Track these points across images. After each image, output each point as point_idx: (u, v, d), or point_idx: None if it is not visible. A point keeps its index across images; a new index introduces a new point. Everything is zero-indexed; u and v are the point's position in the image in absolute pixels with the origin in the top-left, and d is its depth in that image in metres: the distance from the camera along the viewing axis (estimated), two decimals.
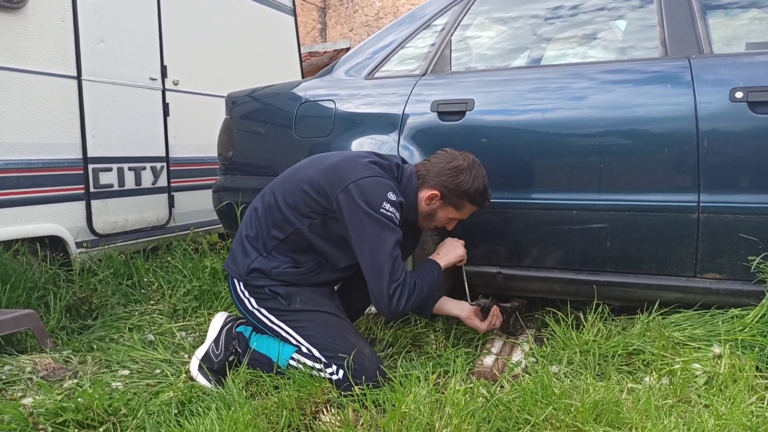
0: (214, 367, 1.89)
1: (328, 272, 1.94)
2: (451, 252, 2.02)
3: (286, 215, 1.87)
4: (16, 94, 2.72)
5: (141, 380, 1.89)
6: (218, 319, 2.02)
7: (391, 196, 1.79)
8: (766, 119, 1.84)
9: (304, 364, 1.80)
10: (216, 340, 1.94)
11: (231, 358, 1.91)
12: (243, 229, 1.97)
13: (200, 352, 1.93)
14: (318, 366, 1.78)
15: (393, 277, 1.75)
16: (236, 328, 1.98)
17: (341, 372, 1.74)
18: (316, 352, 1.80)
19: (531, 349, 2.05)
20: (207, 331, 2.03)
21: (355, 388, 1.67)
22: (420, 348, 2.14)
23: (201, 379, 1.85)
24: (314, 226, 1.86)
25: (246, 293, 1.91)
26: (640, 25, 2.25)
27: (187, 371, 1.92)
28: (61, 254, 2.93)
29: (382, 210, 1.75)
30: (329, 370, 1.77)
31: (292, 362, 1.82)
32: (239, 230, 1.98)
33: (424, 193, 1.93)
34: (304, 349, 1.83)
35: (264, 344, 1.90)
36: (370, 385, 1.69)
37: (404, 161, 2.03)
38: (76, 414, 1.55)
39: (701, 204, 1.93)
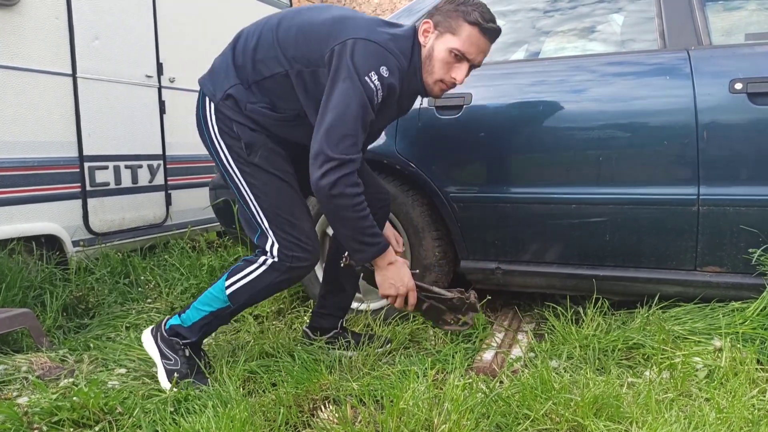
0: (186, 372, 1.76)
1: (300, 129, 1.78)
2: (396, 276, 1.78)
3: (278, 54, 1.72)
4: (10, 92, 2.70)
5: (137, 379, 1.88)
6: (147, 338, 1.86)
7: (384, 71, 1.62)
8: (766, 110, 1.83)
9: (241, 285, 1.78)
10: (162, 355, 1.80)
11: (187, 353, 1.80)
12: (231, 54, 1.80)
13: (163, 378, 1.77)
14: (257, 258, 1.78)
15: (340, 148, 1.58)
16: (165, 327, 1.84)
17: (275, 249, 1.75)
18: (260, 215, 1.77)
19: (530, 343, 2.04)
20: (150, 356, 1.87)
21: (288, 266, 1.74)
22: (418, 344, 2.13)
23: (195, 387, 1.72)
24: (303, 74, 1.70)
25: (213, 119, 1.78)
26: (638, 17, 2.24)
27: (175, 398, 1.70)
28: (58, 253, 2.91)
29: (366, 78, 1.59)
30: (263, 256, 1.78)
31: (228, 290, 1.78)
32: (225, 54, 1.83)
33: (419, 33, 1.74)
34: (251, 207, 1.78)
35: (196, 310, 1.82)
36: (298, 258, 1.74)
37: None
38: (71, 413, 1.54)
39: (701, 197, 1.91)
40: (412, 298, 1.80)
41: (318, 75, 1.69)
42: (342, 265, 1.89)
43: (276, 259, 1.77)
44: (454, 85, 1.76)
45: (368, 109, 1.61)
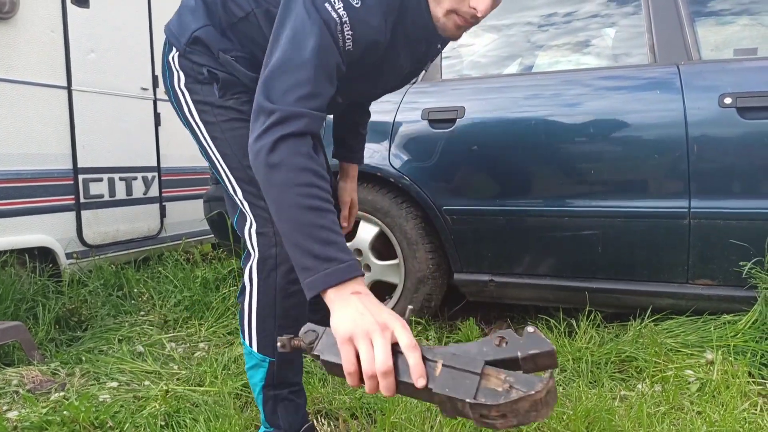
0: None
1: None
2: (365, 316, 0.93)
3: None
4: (5, 104, 2.70)
5: (129, 392, 1.86)
6: None
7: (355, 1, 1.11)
8: (755, 125, 1.85)
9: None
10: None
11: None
12: None
13: None
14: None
15: (287, 98, 1.06)
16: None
17: (253, 232, 1.32)
18: (231, 181, 1.37)
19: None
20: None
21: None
22: None
23: None
24: (271, 14, 1.27)
25: (178, 68, 1.42)
26: (629, 32, 2.26)
27: None
28: (51, 265, 2.90)
29: (326, 5, 1.09)
30: (246, 265, 1.33)
31: (251, 344, 1.33)
32: None
33: None
34: (220, 172, 1.39)
35: (257, 399, 1.39)
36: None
37: None
38: (61, 427, 1.53)
39: (692, 210, 1.93)
40: (389, 378, 0.86)
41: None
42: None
43: (257, 253, 1.30)
44: (475, 18, 1.19)
45: (330, 48, 1.12)
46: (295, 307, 1.31)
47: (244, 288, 1.35)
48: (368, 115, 1.74)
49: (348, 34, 1.14)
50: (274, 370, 1.32)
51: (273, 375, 1.32)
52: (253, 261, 1.31)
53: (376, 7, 1.15)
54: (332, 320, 0.94)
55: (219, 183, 2.77)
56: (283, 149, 1.03)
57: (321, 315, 1.39)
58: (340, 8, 1.10)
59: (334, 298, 0.96)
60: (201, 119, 1.40)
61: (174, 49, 1.43)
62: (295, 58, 1.09)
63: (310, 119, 1.07)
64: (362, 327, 0.89)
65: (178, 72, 1.42)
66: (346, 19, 1.12)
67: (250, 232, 1.33)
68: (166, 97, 1.53)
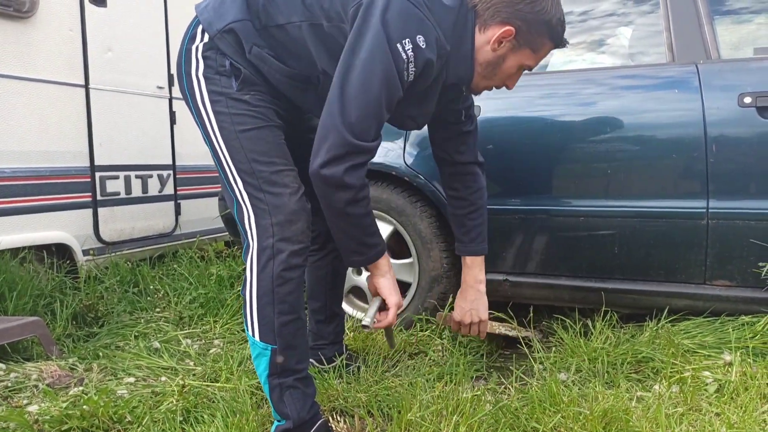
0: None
1: (311, 95, 1.51)
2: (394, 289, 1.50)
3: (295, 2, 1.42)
4: (24, 102, 2.73)
5: (146, 387, 1.88)
6: None
7: (421, 41, 1.29)
8: None
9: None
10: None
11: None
12: None
13: None
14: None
15: (358, 130, 1.27)
16: None
17: (253, 223, 1.40)
18: (233, 173, 1.42)
19: (539, 356, 2.03)
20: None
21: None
22: (425, 354, 2.12)
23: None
24: (323, 29, 1.40)
25: (200, 52, 1.46)
26: (646, 30, 2.25)
27: None
28: (68, 262, 2.93)
29: (399, 45, 1.27)
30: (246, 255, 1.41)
31: (253, 333, 1.40)
32: None
33: (492, 33, 1.40)
34: (222, 163, 1.44)
35: (264, 386, 1.43)
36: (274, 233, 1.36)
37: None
38: (81, 421, 1.55)
39: (710, 210, 1.91)
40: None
41: (342, 32, 1.37)
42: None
43: (256, 244, 1.38)
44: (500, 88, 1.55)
45: (396, 85, 1.30)
46: (291, 294, 1.38)
47: (245, 280, 1.41)
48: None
49: (411, 70, 1.32)
50: (277, 357, 1.37)
51: (276, 363, 1.37)
52: (253, 252, 1.39)
53: (434, 49, 1.33)
54: (382, 283, 1.49)
55: None
56: (352, 176, 1.29)
57: (334, 325, 1.91)
58: (409, 50, 1.28)
59: (379, 268, 1.48)
60: (213, 109, 1.44)
61: (198, 39, 1.47)
62: (368, 95, 1.27)
63: (373, 151, 1.33)
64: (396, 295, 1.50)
65: (198, 61, 1.45)
66: (413, 59, 1.29)
67: (249, 223, 1.40)
68: (182, 97, 1.56)
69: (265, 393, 1.43)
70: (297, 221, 1.38)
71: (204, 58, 1.45)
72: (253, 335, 1.39)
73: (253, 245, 1.39)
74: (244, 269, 1.41)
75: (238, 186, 1.42)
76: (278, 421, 1.41)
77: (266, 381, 1.40)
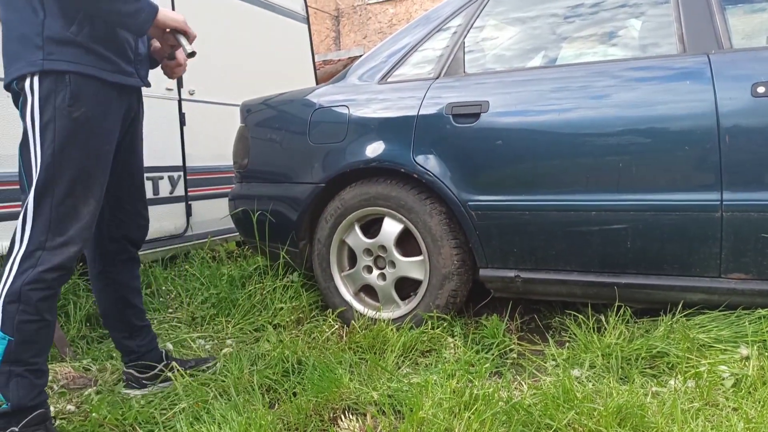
0: None
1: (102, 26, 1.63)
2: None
3: None
4: None
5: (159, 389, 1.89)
6: None
7: None
8: None
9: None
10: None
11: None
12: None
13: None
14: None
15: None
16: None
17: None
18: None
19: (552, 352, 2.02)
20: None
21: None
22: (437, 352, 2.11)
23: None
24: None
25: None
26: (657, 21, 2.22)
27: None
28: (81, 264, 2.95)
29: None
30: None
31: None
32: None
33: None
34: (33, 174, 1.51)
35: None
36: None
37: None
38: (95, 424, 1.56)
39: (724, 202, 1.88)
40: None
41: None
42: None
43: (24, 248, 1.50)
44: None
45: None
46: (41, 301, 1.49)
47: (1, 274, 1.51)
48: None
49: None
50: (12, 349, 1.48)
51: (10, 352, 1.48)
52: (19, 252, 1.50)
53: None
54: (170, 18, 1.71)
55: (243, 182, 2.79)
56: None
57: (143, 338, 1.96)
58: None
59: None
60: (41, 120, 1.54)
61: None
62: None
63: None
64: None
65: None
66: None
67: (24, 228, 1.51)
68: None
69: None
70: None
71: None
72: None
73: (21, 247, 1.50)
74: (5, 264, 1.51)
75: (29, 206, 1.51)
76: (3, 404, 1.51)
77: None
